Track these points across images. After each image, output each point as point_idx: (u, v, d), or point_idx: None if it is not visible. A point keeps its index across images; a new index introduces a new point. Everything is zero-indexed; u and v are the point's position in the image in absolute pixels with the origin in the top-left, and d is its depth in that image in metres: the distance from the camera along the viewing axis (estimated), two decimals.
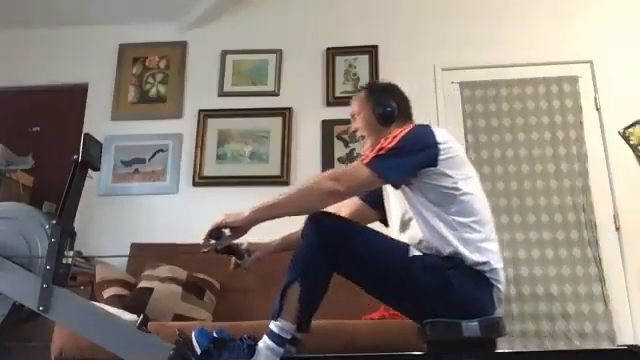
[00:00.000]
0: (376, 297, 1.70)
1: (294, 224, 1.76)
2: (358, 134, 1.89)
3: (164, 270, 2.73)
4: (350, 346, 2.05)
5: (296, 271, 1.58)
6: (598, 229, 3.14)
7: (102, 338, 1.52)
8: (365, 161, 1.61)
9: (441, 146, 1.64)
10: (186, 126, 3.57)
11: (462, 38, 3.54)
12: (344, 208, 1.93)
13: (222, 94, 3.63)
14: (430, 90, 3.48)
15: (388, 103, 1.83)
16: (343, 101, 3.48)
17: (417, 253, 1.61)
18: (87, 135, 1.59)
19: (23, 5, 3.66)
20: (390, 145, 1.62)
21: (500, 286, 1.63)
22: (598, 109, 3.35)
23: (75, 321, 1.54)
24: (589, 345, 2.91)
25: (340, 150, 3.41)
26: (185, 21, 3.77)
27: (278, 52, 3.66)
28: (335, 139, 3.43)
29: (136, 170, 3.50)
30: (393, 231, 1.83)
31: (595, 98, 3.37)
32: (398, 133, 1.66)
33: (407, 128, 1.69)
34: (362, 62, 3.58)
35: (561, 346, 2.93)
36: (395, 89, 1.93)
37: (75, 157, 1.55)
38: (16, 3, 3.64)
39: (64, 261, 1.52)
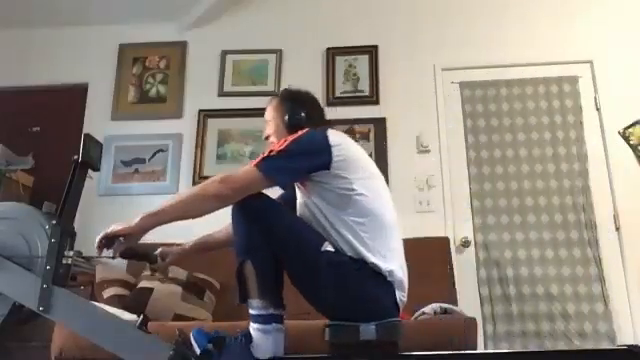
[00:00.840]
0: (293, 283, 1.68)
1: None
2: (270, 140, 1.90)
3: None
4: None
5: (242, 251, 1.60)
6: (598, 229, 3.14)
7: (102, 338, 1.52)
8: (254, 163, 1.62)
9: (334, 149, 1.65)
10: (186, 126, 3.57)
11: (462, 38, 3.54)
12: None
13: (222, 94, 3.63)
14: (430, 90, 3.48)
15: (297, 111, 1.85)
16: (343, 101, 3.51)
17: (329, 249, 1.60)
18: (87, 135, 1.60)
19: (23, 5, 3.66)
20: (280, 148, 1.63)
21: (399, 289, 1.63)
22: (598, 109, 3.36)
23: (75, 321, 1.54)
24: (589, 345, 2.91)
25: None
26: (185, 21, 3.77)
27: (278, 52, 3.66)
28: None
29: (136, 170, 3.50)
30: None
31: (595, 98, 3.37)
32: (290, 137, 1.67)
33: (301, 132, 1.70)
34: (362, 62, 3.58)
35: (561, 346, 2.93)
36: (306, 96, 1.94)
37: (75, 157, 1.55)
38: (16, 3, 3.64)
39: (64, 261, 1.52)
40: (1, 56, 3.81)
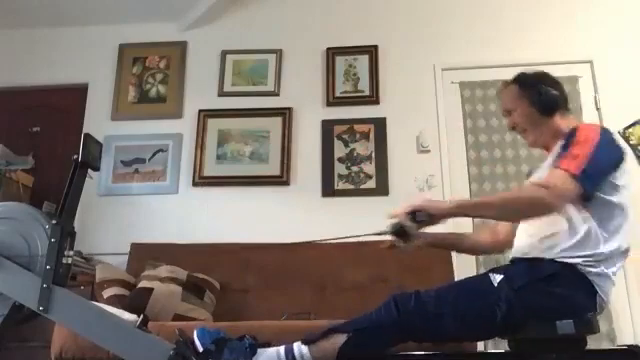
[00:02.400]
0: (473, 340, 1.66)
1: None
2: (518, 129, 1.81)
3: (164, 270, 2.72)
4: None
5: (355, 324, 1.53)
6: None
7: (102, 338, 1.52)
8: (570, 172, 1.50)
9: (624, 156, 1.59)
10: (186, 126, 3.57)
11: (462, 38, 3.54)
12: (501, 228, 1.88)
13: (222, 94, 3.63)
14: (430, 90, 3.48)
15: (549, 92, 1.75)
16: (343, 101, 3.51)
17: (498, 277, 1.54)
18: (87, 135, 1.59)
19: (23, 5, 3.66)
20: (587, 152, 1.52)
21: (603, 295, 1.57)
22: (598, 109, 3.35)
23: (75, 321, 1.54)
24: (589, 345, 2.90)
25: (340, 150, 3.41)
26: (185, 21, 3.76)
27: (278, 52, 3.66)
28: (335, 139, 3.43)
29: (136, 170, 3.50)
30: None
31: (595, 98, 3.37)
32: (590, 139, 1.56)
33: (595, 131, 1.59)
34: (362, 62, 3.58)
35: None
36: (549, 77, 1.86)
37: (75, 157, 1.55)
38: (16, 3, 3.64)
39: (64, 261, 1.52)
40: (1, 56, 3.81)
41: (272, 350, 1.54)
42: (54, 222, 1.51)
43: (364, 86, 3.53)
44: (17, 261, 1.49)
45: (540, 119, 1.74)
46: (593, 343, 2.90)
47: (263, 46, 3.68)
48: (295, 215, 3.26)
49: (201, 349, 1.54)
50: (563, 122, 1.73)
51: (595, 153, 1.53)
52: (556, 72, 3.36)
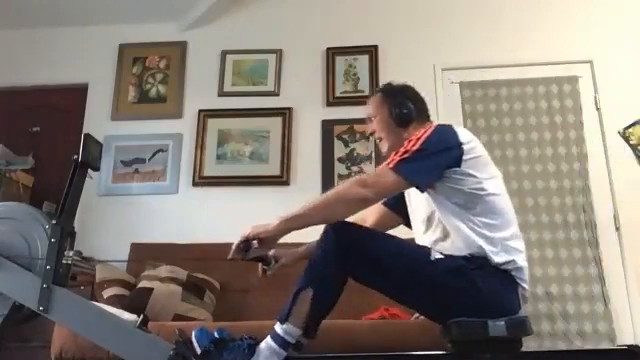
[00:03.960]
0: (398, 301, 1.70)
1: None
2: (376, 136, 1.89)
3: (164, 270, 2.72)
4: (350, 346, 2.04)
5: (310, 277, 1.57)
6: (598, 229, 3.14)
7: (102, 338, 1.52)
8: (391, 165, 1.60)
9: (465, 146, 1.64)
10: (186, 126, 3.57)
11: (462, 38, 3.54)
12: (370, 216, 1.95)
13: (222, 94, 3.63)
14: (430, 90, 3.47)
15: (405, 104, 1.84)
16: (343, 101, 3.50)
17: (439, 256, 1.60)
18: (87, 135, 1.60)
19: (23, 5, 3.66)
20: (415, 148, 1.61)
21: (525, 285, 1.65)
22: (598, 109, 3.35)
23: (75, 321, 1.54)
24: (589, 345, 2.91)
25: (340, 150, 3.41)
26: (185, 21, 3.76)
27: (278, 52, 3.66)
28: (335, 139, 3.43)
29: (136, 170, 3.50)
30: (416, 233, 1.83)
31: (595, 98, 3.37)
32: (421, 135, 1.64)
33: (429, 129, 1.68)
34: (362, 62, 3.58)
35: (561, 346, 2.93)
36: (410, 90, 1.93)
37: (75, 157, 1.55)
38: (16, 3, 3.64)
39: (64, 261, 1.52)
40: (1, 56, 3.81)
41: (263, 346, 1.55)
42: (54, 222, 1.51)
43: (364, 86, 3.53)
44: (17, 261, 1.49)
45: (396, 129, 1.82)
46: (593, 343, 2.92)
47: (263, 46, 3.68)
48: None
49: (199, 350, 1.54)
50: (415, 131, 1.76)
51: (420, 146, 1.61)
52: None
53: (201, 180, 3.42)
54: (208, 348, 1.55)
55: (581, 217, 3.17)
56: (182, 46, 3.75)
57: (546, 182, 3.25)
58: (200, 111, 3.57)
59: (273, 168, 3.40)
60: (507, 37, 3.50)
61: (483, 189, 1.63)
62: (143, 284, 2.64)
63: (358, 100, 3.50)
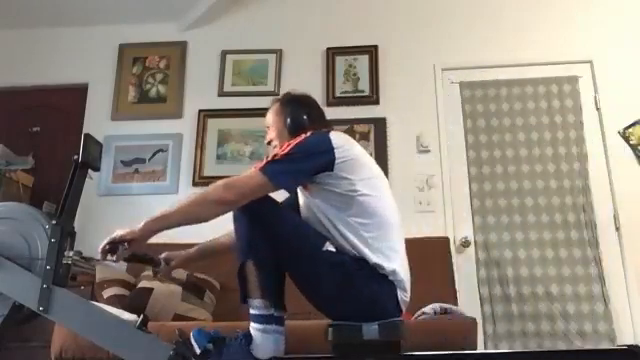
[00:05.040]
0: (295, 284, 1.69)
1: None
2: (272, 144, 1.91)
3: None
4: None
5: (243, 251, 1.61)
6: (598, 229, 3.14)
7: (102, 338, 1.52)
8: (259, 167, 1.62)
9: (337, 150, 1.66)
10: (186, 126, 3.57)
11: (462, 38, 3.54)
12: None
13: (222, 94, 3.63)
14: (430, 90, 3.48)
15: (298, 114, 1.86)
16: (343, 101, 3.51)
17: (331, 248, 1.62)
18: (87, 135, 1.60)
19: (23, 5, 3.66)
20: (284, 152, 1.64)
21: (401, 289, 1.64)
22: (598, 109, 3.35)
23: (75, 321, 1.54)
24: (589, 345, 2.91)
25: None
26: (185, 21, 3.77)
27: (278, 52, 3.66)
28: None
29: (136, 170, 3.50)
30: None
31: (595, 98, 3.37)
32: (295, 141, 1.68)
33: (305, 136, 1.71)
34: (362, 62, 3.58)
35: (561, 346, 2.93)
36: (307, 99, 1.95)
37: (75, 157, 1.55)
38: (16, 3, 3.64)
39: (64, 261, 1.52)
40: (1, 56, 3.81)
41: (253, 332, 1.58)
42: (54, 222, 1.51)
43: (364, 86, 3.53)
44: (17, 261, 1.49)
45: (289, 138, 1.81)
46: (593, 343, 2.92)
47: (263, 46, 3.68)
48: None
49: (198, 350, 1.55)
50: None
51: (290, 150, 1.64)
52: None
53: (201, 180, 3.42)
54: (207, 347, 1.55)
55: (581, 217, 3.17)
56: (182, 46, 3.75)
57: (546, 182, 3.25)
58: (200, 111, 3.57)
59: None
60: (507, 37, 3.51)
61: (356, 190, 1.65)
62: (143, 284, 2.64)
63: (358, 100, 3.51)
